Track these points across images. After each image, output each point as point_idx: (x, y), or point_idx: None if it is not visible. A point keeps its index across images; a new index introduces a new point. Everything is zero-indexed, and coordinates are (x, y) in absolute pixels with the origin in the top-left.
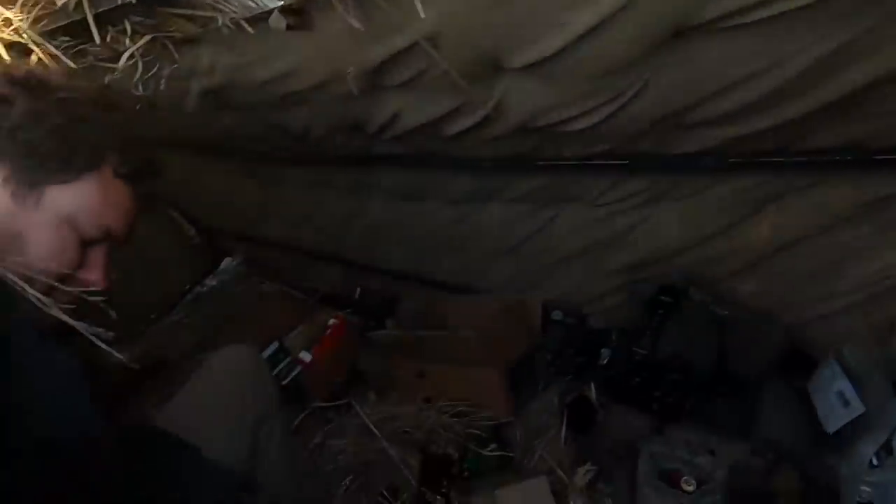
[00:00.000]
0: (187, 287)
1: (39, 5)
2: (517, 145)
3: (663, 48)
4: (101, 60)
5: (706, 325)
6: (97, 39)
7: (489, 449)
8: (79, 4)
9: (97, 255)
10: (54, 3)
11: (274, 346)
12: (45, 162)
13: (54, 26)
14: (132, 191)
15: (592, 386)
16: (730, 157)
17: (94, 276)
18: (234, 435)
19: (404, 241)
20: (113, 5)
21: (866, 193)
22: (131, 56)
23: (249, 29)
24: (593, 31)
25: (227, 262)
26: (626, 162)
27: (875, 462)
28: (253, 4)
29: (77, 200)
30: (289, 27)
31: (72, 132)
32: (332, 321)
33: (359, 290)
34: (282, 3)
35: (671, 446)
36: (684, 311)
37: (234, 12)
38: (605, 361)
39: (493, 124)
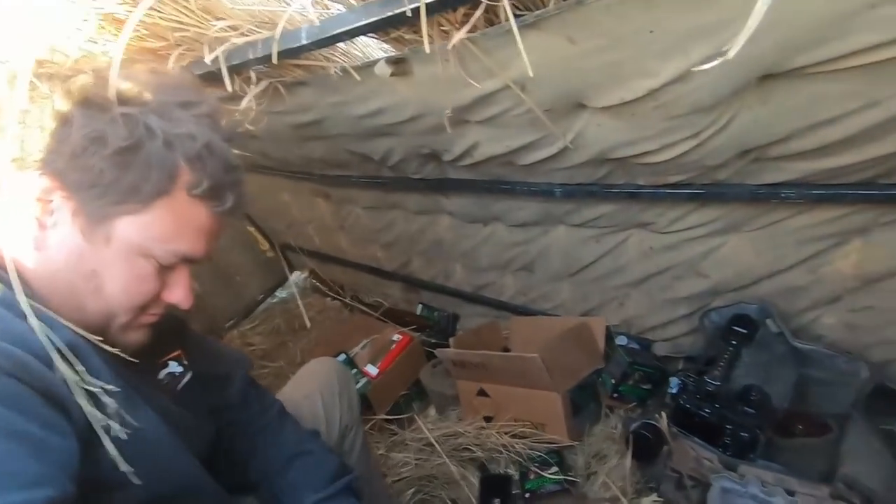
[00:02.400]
0: (260, 297)
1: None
2: (590, 174)
3: (749, 89)
4: (223, 101)
5: (784, 357)
6: (229, 88)
7: (551, 472)
8: (215, 59)
9: (180, 276)
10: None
11: (341, 358)
12: (110, 190)
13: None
14: (210, 210)
15: (664, 414)
16: (812, 188)
17: (177, 296)
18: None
19: (468, 261)
20: (243, 60)
21: None
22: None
23: (356, 76)
24: (680, 78)
25: (296, 276)
26: (702, 191)
27: None
28: (360, 55)
29: (149, 231)
30: (392, 74)
31: (137, 155)
32: (396, 336)
33: (420, 306)
34: (386, 55)
35: (744, 484)
36: (760, 343)
37: (343, 62)
38: (674, 391)
39: (569, 155)
